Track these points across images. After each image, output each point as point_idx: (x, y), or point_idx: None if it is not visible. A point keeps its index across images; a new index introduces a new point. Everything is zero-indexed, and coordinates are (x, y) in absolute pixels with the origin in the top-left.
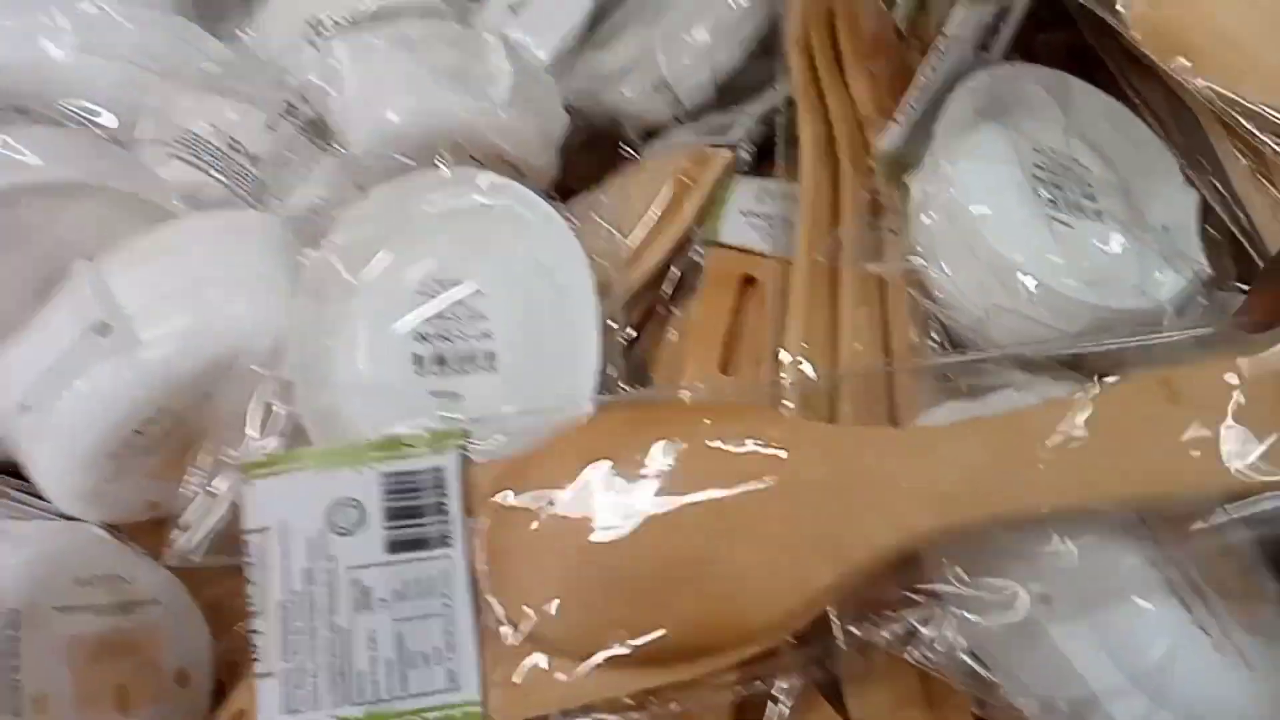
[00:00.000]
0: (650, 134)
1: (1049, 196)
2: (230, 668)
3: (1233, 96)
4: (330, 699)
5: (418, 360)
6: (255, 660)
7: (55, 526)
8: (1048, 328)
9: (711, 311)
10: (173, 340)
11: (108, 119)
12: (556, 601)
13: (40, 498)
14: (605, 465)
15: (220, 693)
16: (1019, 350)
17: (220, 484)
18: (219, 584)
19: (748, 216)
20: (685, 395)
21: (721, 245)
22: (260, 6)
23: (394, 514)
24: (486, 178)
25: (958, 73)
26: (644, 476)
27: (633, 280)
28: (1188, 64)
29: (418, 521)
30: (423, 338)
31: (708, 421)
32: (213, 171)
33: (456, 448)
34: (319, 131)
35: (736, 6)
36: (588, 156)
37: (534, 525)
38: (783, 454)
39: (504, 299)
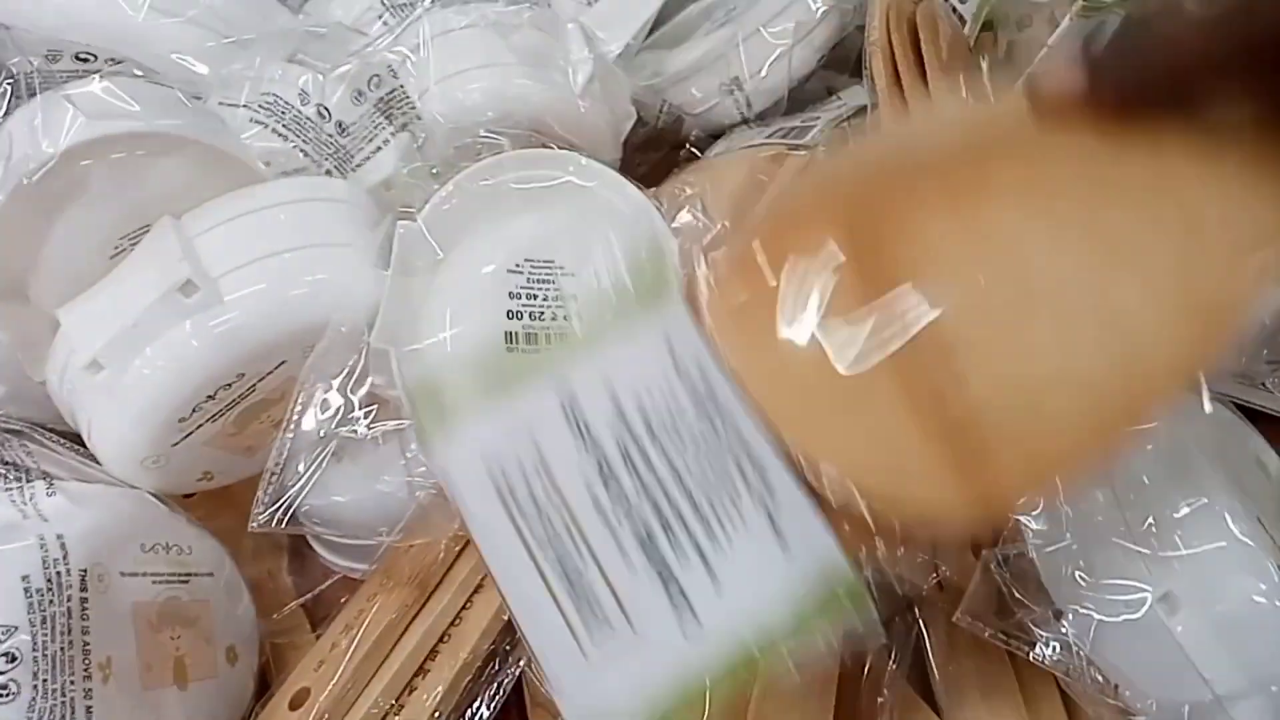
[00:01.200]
0: (714, 135)
1: None
2: (275, 651)
3: None
4: None
5: (509, 336)
6: None
7: (118, 491)
8: None
9: None
10: (256, 303)
11: (200, 76)
12: None
13: (93, 461)
14: None
15: (263, 676)
16: None
17: (307, 454)
18: (260, 564)
19: None
20: None
21: None
22: None
23: None
24: (577, 159)
25: None
26: None
27: None
28: None
29: None
30: (513, 315)
31: None
32: (294, 138)
33: None
34: (399, 106)
35: (817, 11)
36: (648, 154)
37: None
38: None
39: (588, 278)
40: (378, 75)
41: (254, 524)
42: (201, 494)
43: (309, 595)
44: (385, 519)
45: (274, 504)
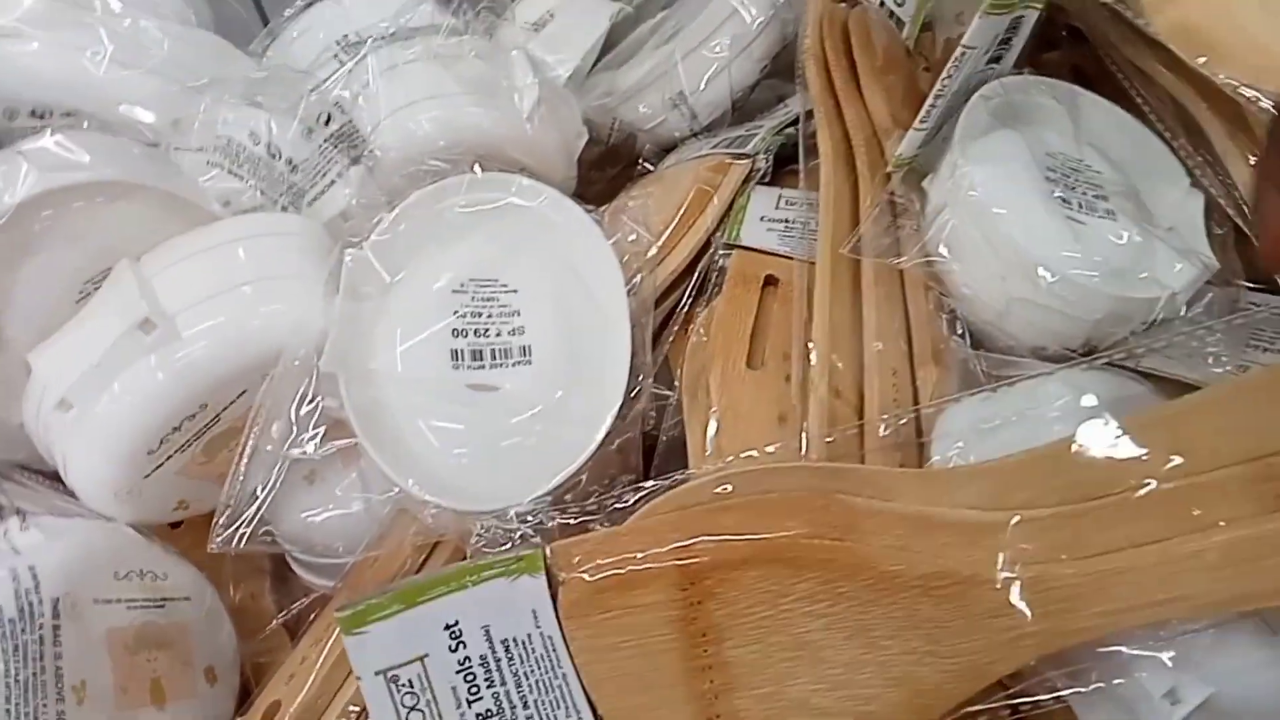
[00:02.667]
0: (666, 149)
1: (1063, 196)
2: (257, 670)
3: (1256, 88)
4: None
5: (455, 354)
6: None
7: (92, 523)
8: (1066, 317)
9: (737, 309)
10: (214, 336)
11: (151, 126)
12: None
13: (71, 496)
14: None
15: (245, 695)
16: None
17: (262, 476)
18: (244, 586)
19: (767, 222)
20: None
21: (743, 248)
22: (285, 27)
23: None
24: (519, 181)
25: (972, 83)
26: None
27: (658, 280)
28: (1210, 60)
29: None
30: (458, 333)
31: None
32: (249, 178)
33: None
34: (350, 141)
35: (753, 24)
36: (603, 171)
37: None
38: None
39: (536, 296)
40: (327, 113)
41: (211, 546)
42: (188, 523)
43: (287, 613)
44: (355, 537)
45: (230, 526)
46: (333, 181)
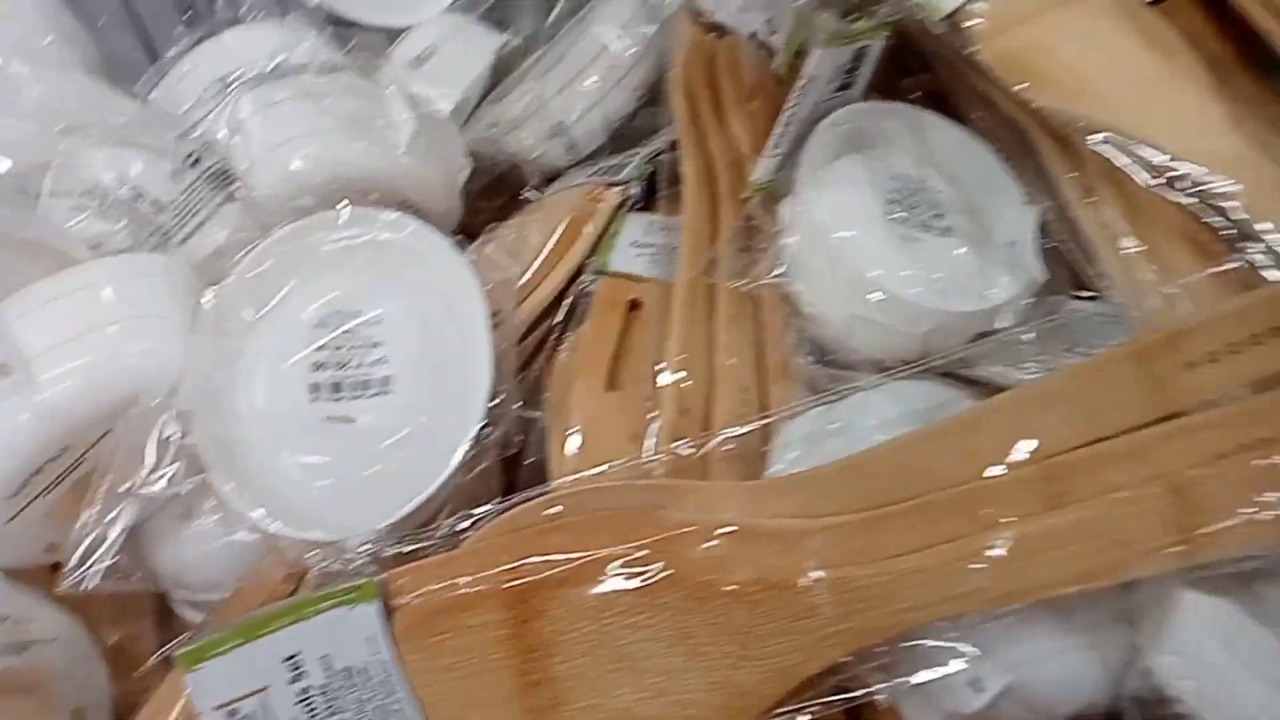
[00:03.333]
0: (550, 178)
1: (902, 216)
2: (131, 710)
3: (1068, 113)
4: None
5: (314, 388)
6: None
7: None
8: (899, 332)
9: (600, 333)
10: (73, 379)
11: (16, 172)
12: None
13: None
14: None
15: None
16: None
17: (115, 515)
18: (122, 628)
19: (637, 247)
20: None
21: (612, 274)
22: (171, 67)
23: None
24: (385, 215)
25: (821, 110)
26: None
27: (529, 309)
28: (1032, 86)
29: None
30: (319, 366)
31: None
32: (118, 221)
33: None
34: (225, 180)
35: (626, 54)
36: (491, 200)
37: None
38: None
39: (400, 327)
40: (195, 153)
41: (60, 587)
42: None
43: (164, 652)
44: (232, 573)
45: (81, 567)
46: (203, 222)
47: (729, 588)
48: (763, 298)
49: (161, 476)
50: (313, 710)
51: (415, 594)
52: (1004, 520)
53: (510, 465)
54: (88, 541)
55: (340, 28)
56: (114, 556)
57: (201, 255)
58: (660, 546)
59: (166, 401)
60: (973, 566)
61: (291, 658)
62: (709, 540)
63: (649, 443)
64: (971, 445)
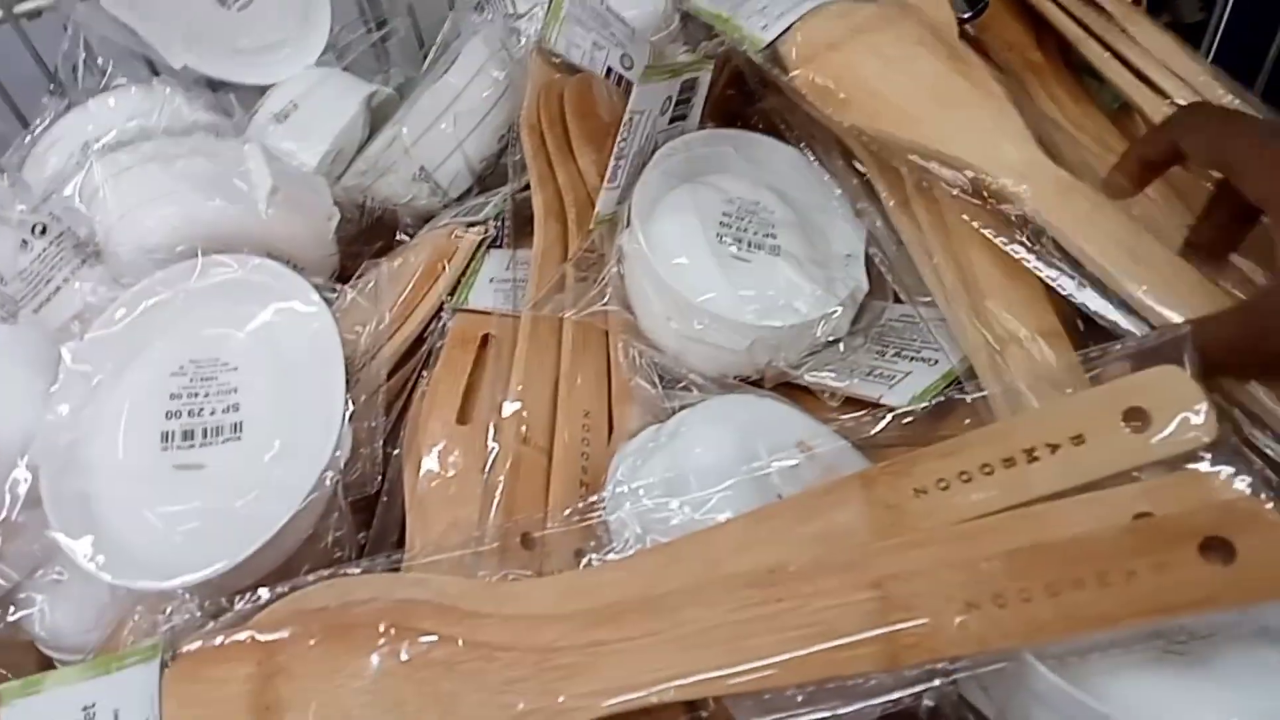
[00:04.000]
0: (424, 219)
1: (733, 238)
2: None
3: (875, 131)
4: None
5: (166, 437)
6: None
7: None
8: (724, 349)
9: (451, 370)
10: None
11: None
12: None
13: None
14: None
15: None
16: None
17: None
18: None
19: (495, 283)
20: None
21: (468, 311)
22: (40, 137)
23: None
24: (244, 261)
25: (659, 141)
26: None
27: (392, 350)
28: (839, 108)
29: None
30: (172, 415)
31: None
32: None
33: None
34: (78, 245)
35: (480, 99)
36: (370, 243)
37: None
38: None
39: (254, 372)
40: (42, 223)
41: None
42: None
43: None
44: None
45: None
46: (59, 287)
47: (443, 656)
48: (610, 325)
49: (13, 533)
50: None
51: (184, 648)
52: (715, 610)
53: (372, 503)
54: None
55: (215, 88)
56: None
57: (62, 317)
58: (391, 619)
59: (19, 463)
60: (662, 653)
61: (88, 708)
62: (435, 617)
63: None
64: (711, 554)
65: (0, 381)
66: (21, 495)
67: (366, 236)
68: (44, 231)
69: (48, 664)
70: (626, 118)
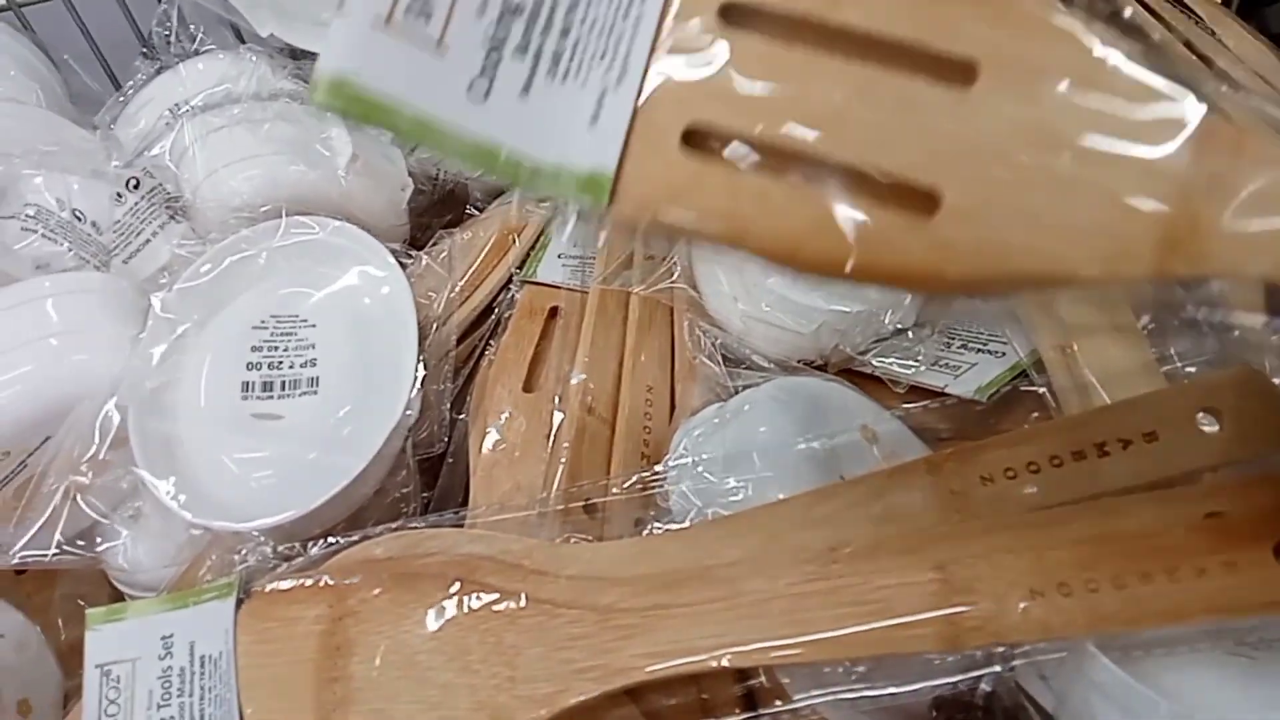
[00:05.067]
0: (494, 194)
1: None
2: None
3: None
4: None
5: (246, 386)
6: None
7: None
8: (792, 331)
9: (519, 339)
10: (15, 387)
11: None
12: None
13: None
14: None
15: None
16: None
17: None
18: (78, 628)
19: (563, 259)
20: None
21: (536, 283)
22: (133, 98)
23: None
24: (324, 223)
25: None
26: None
27: (461, 317)
28: None
29: None
30: (253, 366)
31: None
32: (61, 240)
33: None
34: (167, 201)
35: None
36: (440, 216)
37: None
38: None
39: (331, 330)
40: (135, 178)
41: (9, 561)
42: (32, 570)
43: None
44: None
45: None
46: (148, 240)
47: (503, 607)
48: (675, 303)
49: (101, 465)
50: (166, 689)
51: (263, 587)
52: (775, 582)
53: (438, 464)
54: (42, 519)
55: (296, 57)
56: (61, 543)
57: (147, 271)
58: (461, 571)
59: (108, 403)
60: (728, 619)
61: (166, 637)
62: (502, 574)
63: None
64: (772, 529)
65: (93, 326)
66: (111, 433)
67: (437, 209)
68: (137, 186)
69: (118, 597)
70: None
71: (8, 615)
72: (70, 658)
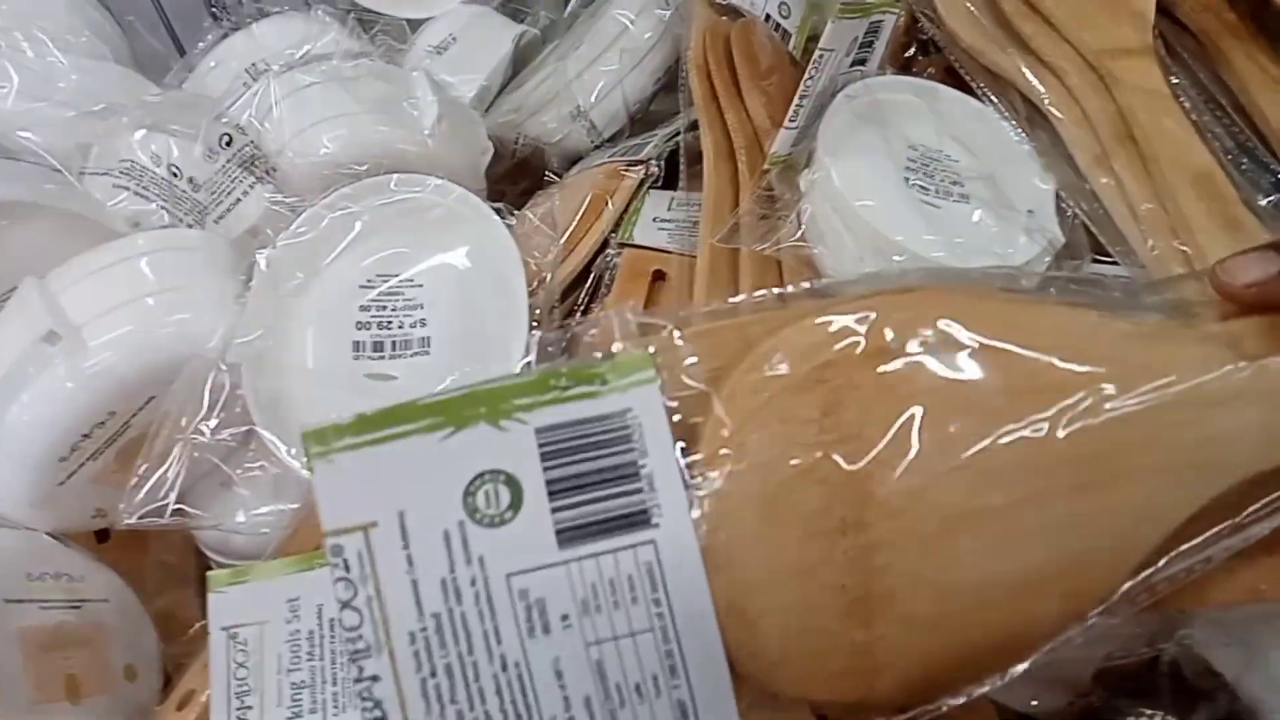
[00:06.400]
0: (571, 161)
1: (920, 184)
2: (179, 670)
3: None
4: None
5: (357, 346)
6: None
7: (4, 530)
8: None
9: (625, 299)
10: (120, 345)
11: (55, 151)
12: None
13: None
14: None
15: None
16: None
17: (171, 460)
18: (169, 594)
19: (659, 222)
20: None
21: (635, 246)
22: (200, 59)
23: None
24: (430, 181)
25: (837, 84)
26: None
27: (558, 279)
28: None
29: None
30: (363, 326)
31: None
32: (155, 197)
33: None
34: (255, 161)
35: (643, 38)
36: (515, 184)
37: None
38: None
39: (441, 290)
40: (228, 134)
41: (120, 523)
42: (117, 536)
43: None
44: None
45: (143, 508)
46: (239, 199)
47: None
48: (785, 265)
49: (213, 424)
50: (296, 652)
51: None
52: None
53: None
54: (151, 483)
55: (363, 18)
56: (168, 499)
57: (237, 230)
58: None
59: (210, 362)
60: None
61: (292, 600)
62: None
63: None
64: None
65: (195, 284)
66: (224, 394)
67: (513, 175)
68: (229, 143)
69: (206, 564)
70: (816, 55)
71: (110, 579)
72: (163, 627)
